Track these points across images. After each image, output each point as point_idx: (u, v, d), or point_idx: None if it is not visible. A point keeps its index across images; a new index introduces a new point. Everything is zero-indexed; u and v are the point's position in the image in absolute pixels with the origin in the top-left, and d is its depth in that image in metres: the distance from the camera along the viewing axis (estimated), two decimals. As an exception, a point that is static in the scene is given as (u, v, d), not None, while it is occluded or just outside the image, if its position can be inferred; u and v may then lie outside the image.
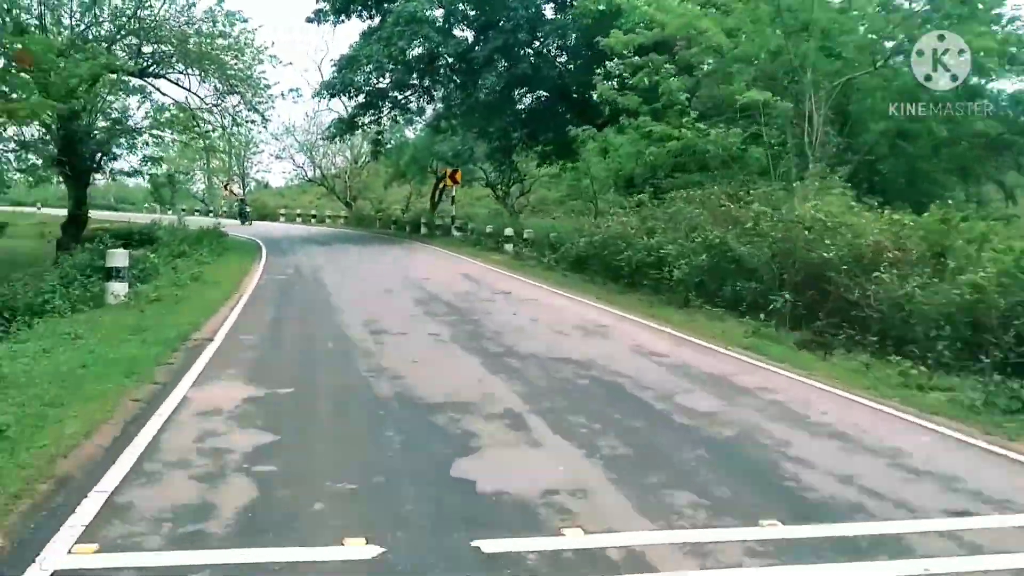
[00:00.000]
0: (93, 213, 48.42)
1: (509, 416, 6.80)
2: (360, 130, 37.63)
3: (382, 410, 6.92)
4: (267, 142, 79.18)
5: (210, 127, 27.06)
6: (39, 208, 50.14)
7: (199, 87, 26.31)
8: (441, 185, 45.65)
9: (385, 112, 35.97)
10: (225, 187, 57.66)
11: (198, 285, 15.48)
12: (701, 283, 14.28)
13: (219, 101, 27.01)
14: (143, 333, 10.00)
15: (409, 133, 45.66)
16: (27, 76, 18.17)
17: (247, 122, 28.44)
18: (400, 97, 35.68)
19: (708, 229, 14.65)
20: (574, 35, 30.64)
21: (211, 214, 54.14)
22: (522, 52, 32.25)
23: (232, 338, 10.10)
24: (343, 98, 31.90)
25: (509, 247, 25.54)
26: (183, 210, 55.19)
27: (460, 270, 20.73)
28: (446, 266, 21.97)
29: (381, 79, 32.34)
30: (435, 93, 36.45)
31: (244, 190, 64.24)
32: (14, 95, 18.00)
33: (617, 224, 17.51)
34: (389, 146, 40.64)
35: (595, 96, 23.17)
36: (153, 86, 25.36)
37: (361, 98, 32.83)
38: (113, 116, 24.41)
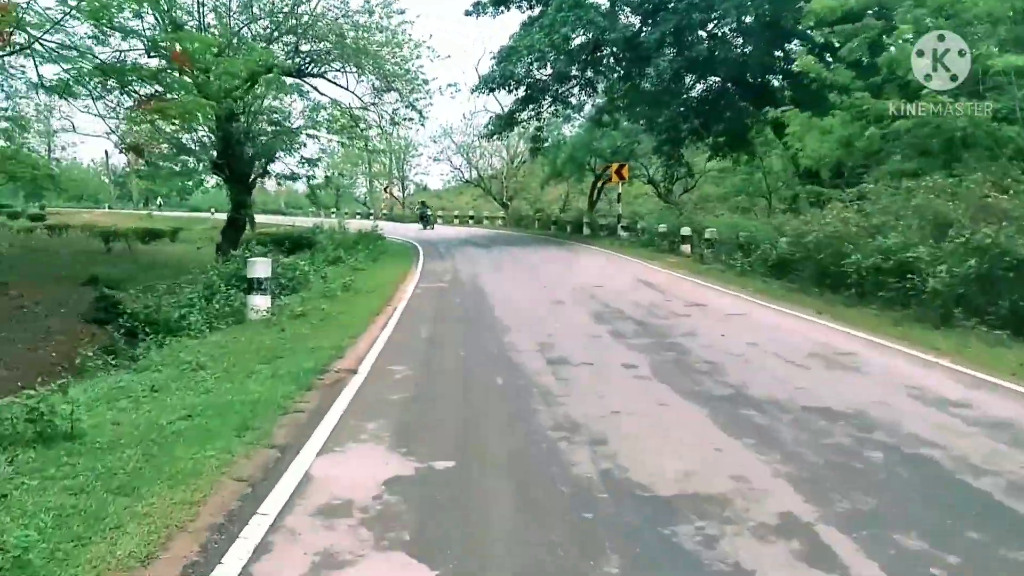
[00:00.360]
0: (262, 218, 49.74)
1: (793, 530, 4.20)
2: (519, 126, 35.77)
3: (588, 511, 4.49)
4: (425, 144, 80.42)
5: (368, 127, 25.92)
6: (212, 213, 51.98)
7: (356, 85, 25.20)
8: (600, 183, 43.44)
9: (545, 106, 33.89)
10: (385, 190, 57.88)
11: (348, 296, 13.82)
12: (963, 296, 10.99)
13: (376, 99, 25.81)
14: (276, 362, 8.17)
15: (566, 131, 43.65)
16: (185, 76, 17.34)
17: (405, 120, 27.15)
18: (561, 90, 33.49)
19: (966, 226, 11.37)
20: (753, 12, 27.25)
21: (371, 217, 54.45)
22: (695, 35, 29.20)
23: (379, 371, 8.04)
24: (503, 92, 30.12)
25: (687, 248, 22.68)
26: (345, 213, 55.92)
27: (635, 275, 18.16)
28: (618, 270, 19.46)
29: (542, 70, 30.27)
30: (597, 85, 34.04)
31: (403, 193, 64.66)
32: (170, 95, 17.15)
33: (836, 221, 14.31)
34: (547, 144, 38.49)
35: (795, 67, 19.79)
36: (311, 85, 24.47)
37: (521, 91, 30.87)
38: (272, 117, 23.58)
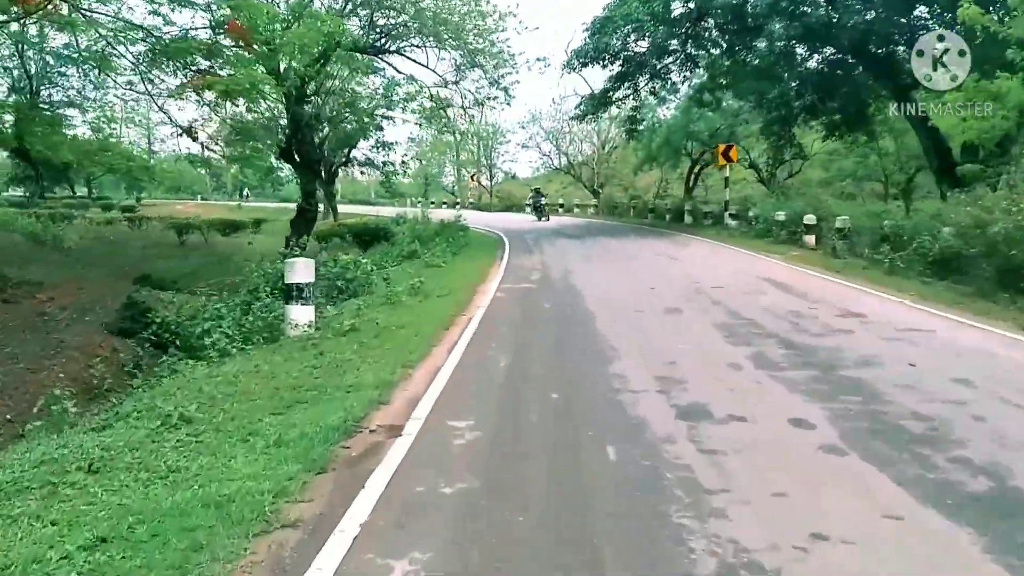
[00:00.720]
0: (347, 208, 48.42)
1: None
2: (613, 106, 32.72)
3: None
4: (513, 131, 78.00)
5: (446, 105, 23.42)
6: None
7: (436, 63, 22.78)
8: (697, 168, 40.19)
9: (642, 84, 30.76)
10: (472, 178, 55.75)
11: (416, 302, 11.37)
12: None
13: (458, 77, 23.34)
14: (293, 411, 5.77)
15: (661, 114, 40.38)
16: (243, 50, 15.26)
17: (490, 99, 24.60)
18: (659, 65, 30.26)
19: None
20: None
21: (457, 206, 52.43)
22: (811, 0, 25.58)
23: (434, 430, 5.47)
24: (596, 67, 27.10)
25: (811, 239, 19.39)
26: (431, 203, 54.08)
27: (758, 272, 15.13)
28: (736, 266, 16.42)
29: (640, 42, 27.18)
30: (699, 61, 30.67)
31: (491, 181, 62.35)
32: (224, 72, 15.07)
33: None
34: (644, 125, 35.28)
35: (960, 19, 16.21)
36: (387, 62, 22.20)
37: (616, 67, 27.82)
38: (346, 98, 21.40)
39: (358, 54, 20.56)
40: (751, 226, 23.70)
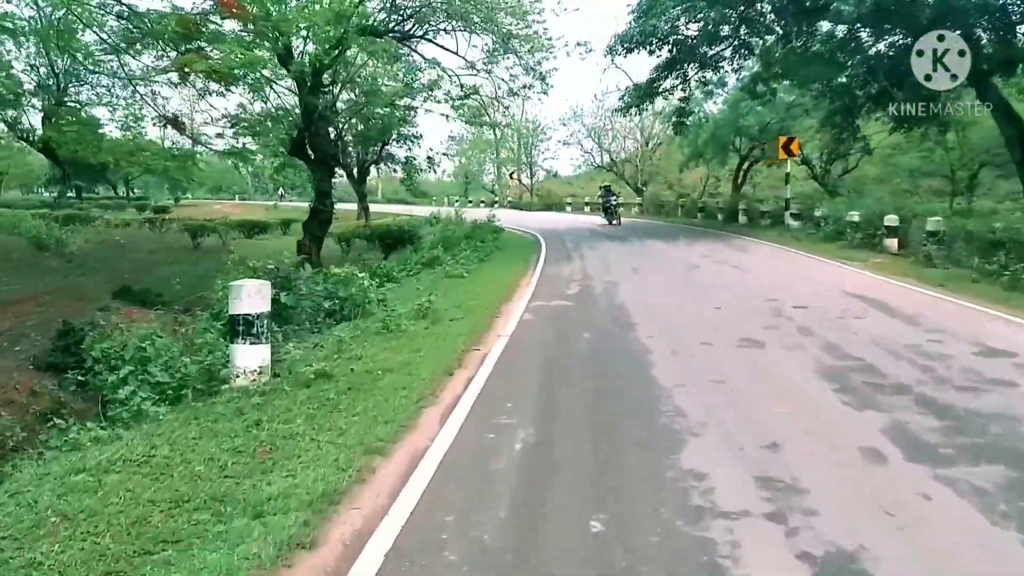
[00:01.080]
0: (379, 207, 46.24)
1: None
2: (660, 97, 29.79)
3: None
4: (554, 127, 75.18)
5: (471, 92, 20.78)
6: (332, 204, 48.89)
7: (467, 49, 20.26)
8: (746, 165, 37.23)
9: (691, 74, 27.90)
10: (511, 176, 53.25)
11: (420, 328, 8.84)
12: None
13: (490, 64, 20.79)
14: (164, 556, 3.26)
15: (708, 108, 37.46)
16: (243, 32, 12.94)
17: (525, 88, 21.98)
18: (710, 53, 27.34)
19: None
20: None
21: (495, 204, 50.00)
22: (882, -23, 22.52)
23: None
24: (643, 52, 24.24)
25: (892, 244, 16.49)
26: (469, 201, 51.71)
27: (843, 285, 12.33)
28: (813, 277, 13.61)
29: (690, 24, 24.34)
30: (754, 48, 27.69)
31: (532, 179, 59.73)
32: (215, 51, 12.77)
33: None
34: (693, 117, 32.29)
35: None
36: (411, 48, 19.71)
37: (665, 52, 24.97)
38: (365, 87, 18.96)
39: (378, 38, 18.11)
40: (818, 228, 20.69)
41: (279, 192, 58.13)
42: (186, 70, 11.79)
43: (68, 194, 44.63)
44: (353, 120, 33.17)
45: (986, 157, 30.87)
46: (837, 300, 10.99)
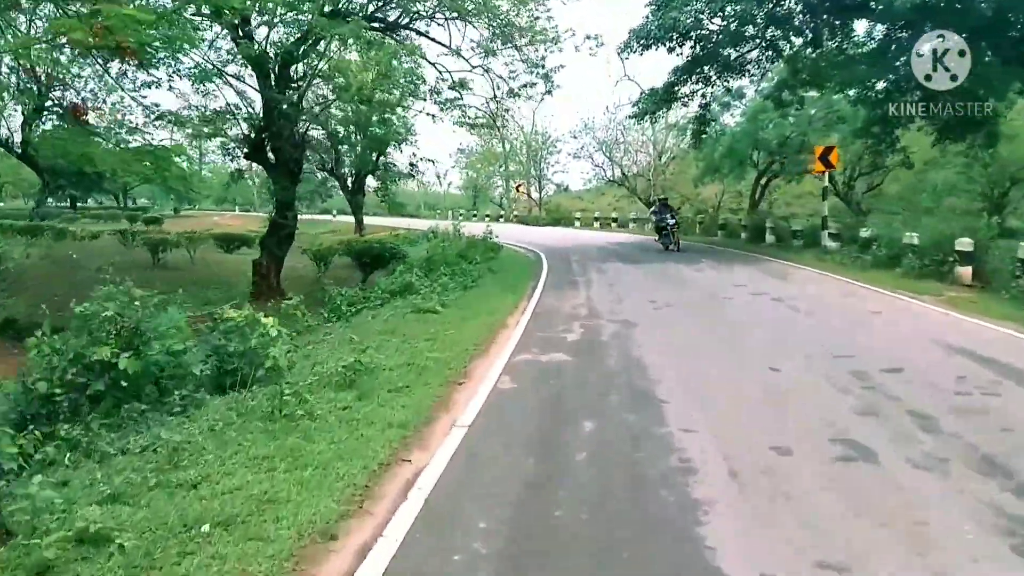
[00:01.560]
0: (375, 220, 43.19)
1: None
2: (679, 102, 26.54)
3: None
4: (565, 140, 71.99)
5: (470, 90, 17.70)
6: (335, 216, 45.81)
7: (463, 41, 17.22)
8: (764, 180, 34.26)
9: (713, 77, 24.75)
10: (517, 188, 50.18)
11: (327, 413, 5.60)
12: None
13: (487, 59, 17.69)
14: None
15: (725, 121, 34.45)
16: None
17: (527, 87, 18.85)
18: (734, 56, 24.20)
19: None
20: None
21: (500, 219, 46.95)
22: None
23: None
24: (661, 48, 21.06)
25: (965, 273, 13.27)
26: (474, 215, 48.69)
27: (929, 331, 9.11)
28: (888, 320, 10.32)
29: (714, 19, 21.19)
30: (782, 50, 24.50)
31: (540, 193, 56.55)
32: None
33: None
34: (713, 125, 29.04)
35: None
36: (395, 38, 16.60)
37: (686, 50, 21.78)
38: (336, 81, 15.84)
39: (347, 21, 15.02)
40: (863, 251, 17.33)
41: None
42: (63, 39, 8.80)
43: (48, 202, 41.64)
44: (351, 128, 30.26)
45: (1017, 173, 28.03)
46: (940, 358, 7.76)
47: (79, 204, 56.48)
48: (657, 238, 23.10)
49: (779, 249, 21.42)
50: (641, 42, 20.88)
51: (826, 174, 21.61)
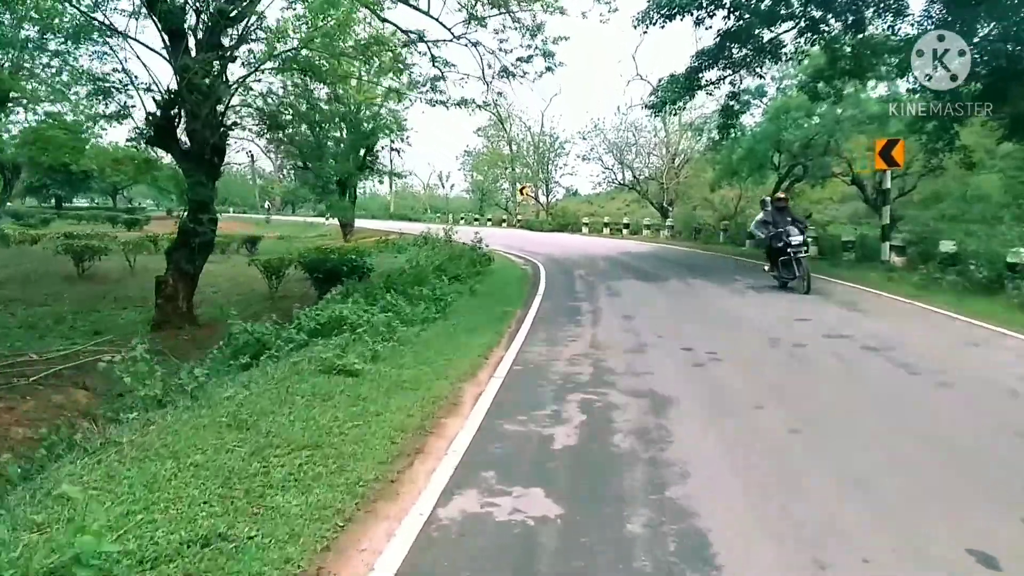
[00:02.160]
0: (366, 223, 39.60)
1: None
2: (703, 91, 22.46)
3: None
4: (573, 142, 67.86)
5: (449, 65, 13.78)
6: (327, 220, 42.03)
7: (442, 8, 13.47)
8: (785, 184, 30.50)
9: (748, 57, 20.80)
10: (521, 191, 46.38)
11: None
12: None
13: (469, 28, 13.82)
14: None
15: (745, 121, 30.61)
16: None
17: (522, 61, 14.96)
18: (767, 37, 20.27)
19: None
20: None
21: (503, 224, 43.19)
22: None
23: None
24: (687, 18, 17.17)
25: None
26: (476, 219, 44.97)
27: None
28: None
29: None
30: (822, 31, 20.49)
31: (548, 197, 52.64)
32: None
33: None
34: (740, 118, 24.88)
35: None
36: (369, 7, 12.71)
37: (718, 21, 17.81)
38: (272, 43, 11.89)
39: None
40: (943, 270, 13.27)
41: (267, 206, 51.44)
42: None
43: (8, 203, 38.05)
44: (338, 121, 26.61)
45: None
46: None
47: (63, 204, 53.14)
48: (767, 266, 13.81)
49: (829, 265, 17.38)
50: (663, 11, 16.92)
51: (888, 172, 17.52)
